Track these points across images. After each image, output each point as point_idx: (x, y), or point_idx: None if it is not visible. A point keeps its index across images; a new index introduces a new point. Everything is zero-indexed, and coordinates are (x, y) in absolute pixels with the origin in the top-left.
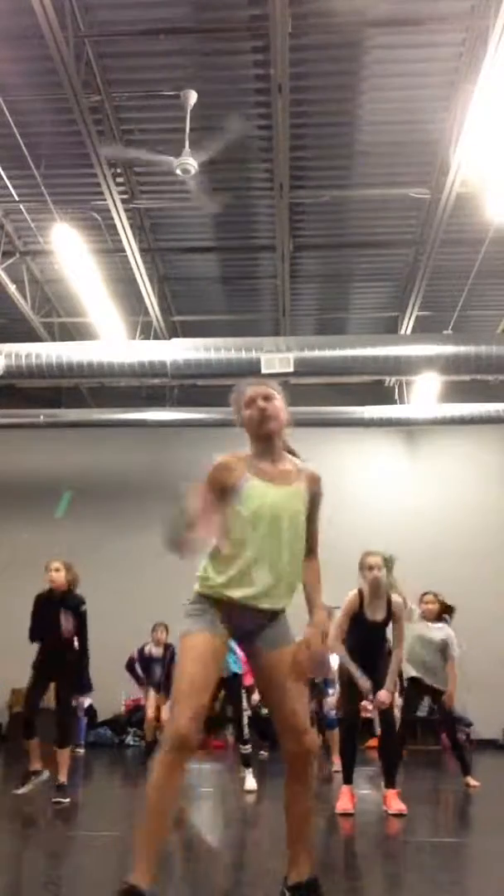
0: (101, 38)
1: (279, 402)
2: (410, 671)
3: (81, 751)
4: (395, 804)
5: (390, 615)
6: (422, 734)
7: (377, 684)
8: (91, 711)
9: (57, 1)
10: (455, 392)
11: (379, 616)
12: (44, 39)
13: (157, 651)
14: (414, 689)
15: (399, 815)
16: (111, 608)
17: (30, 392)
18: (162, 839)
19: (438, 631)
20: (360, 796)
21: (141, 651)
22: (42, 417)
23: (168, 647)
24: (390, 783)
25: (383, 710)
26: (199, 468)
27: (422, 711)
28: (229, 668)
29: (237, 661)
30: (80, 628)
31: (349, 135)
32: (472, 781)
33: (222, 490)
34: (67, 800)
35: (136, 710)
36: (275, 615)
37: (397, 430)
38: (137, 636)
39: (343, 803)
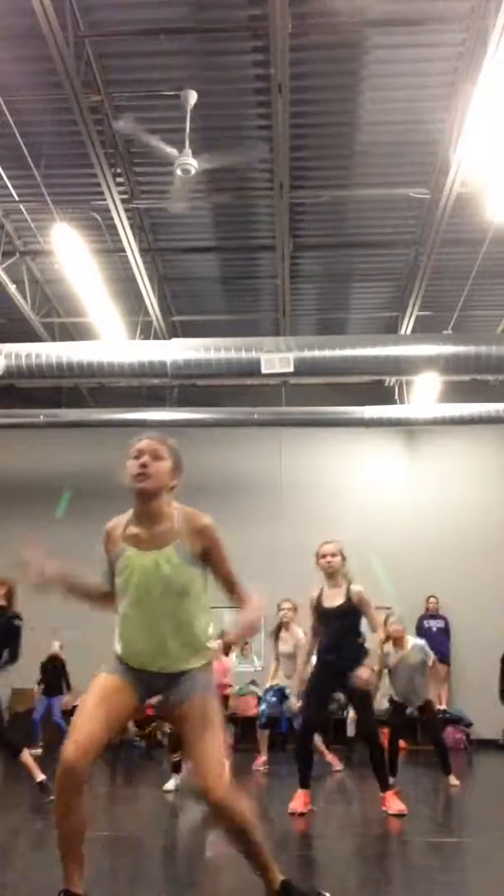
0: (101, 38)
1: (165, 464)
2: (391, 694)
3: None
4: (395, 804)
5: (349, 601)
6: (421, 734)
7: (345, 670)
8: None
9: (57, 1)
10: (455, 392)
11: (336, 602)
12: (44, 39)
13: None
14: (396, 710)
15: (399, 816)
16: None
17: (30, 392)
18: (76, 850)
19: (413, 653)
20: (358, 796)
21: None
22: (42, 417)
23: None
24: (384, 787)
25: (360, 715)
26: (198, 468)
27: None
28: None
29: None
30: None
31: (349, 135)
32: (452, 781)
33: (110, 558)
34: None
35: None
36: (174, 677)
37: (397, 430)
38: None
39: (295, 803)
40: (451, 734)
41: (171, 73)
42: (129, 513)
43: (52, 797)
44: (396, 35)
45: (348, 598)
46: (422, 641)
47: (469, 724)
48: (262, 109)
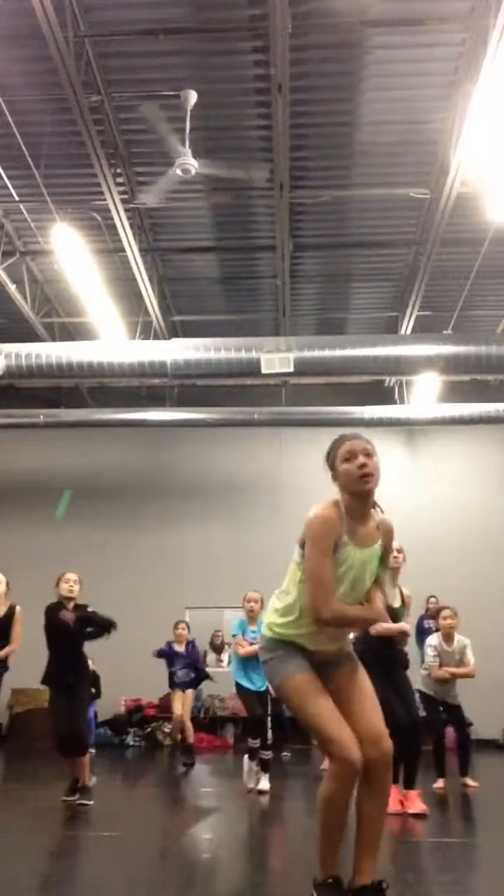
0: (101, 38)
1: (377, 461)
2: (423, 688)
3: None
4: (417, 805)
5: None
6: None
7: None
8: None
9: (57, 1)
10: (455, 392)
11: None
12: (44, 39)
13: (179, 647)
14: (430, 703)
15: (419, 816)
16: (110, 608)
17: (30, 392)
18: (338, 842)
19: (457, 651)
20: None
21: (169, 645)
22: (42, 417)
23: (188, 643)
24: (410, 784)
25: (399, 714)
26: (198, 468)
27: (421, 712)
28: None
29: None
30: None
31: (349, 135)
32: (470, 782)
33: (335, 541)
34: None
35: (136, 711)
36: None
37: (397, 430)
38: (136, 636)
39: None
40: (451, 734)
41: (171, 73)
42: (339, 507)
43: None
44: (396, 35)
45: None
46: (467, 640)
47: (469, 724)
48: (262, 109)
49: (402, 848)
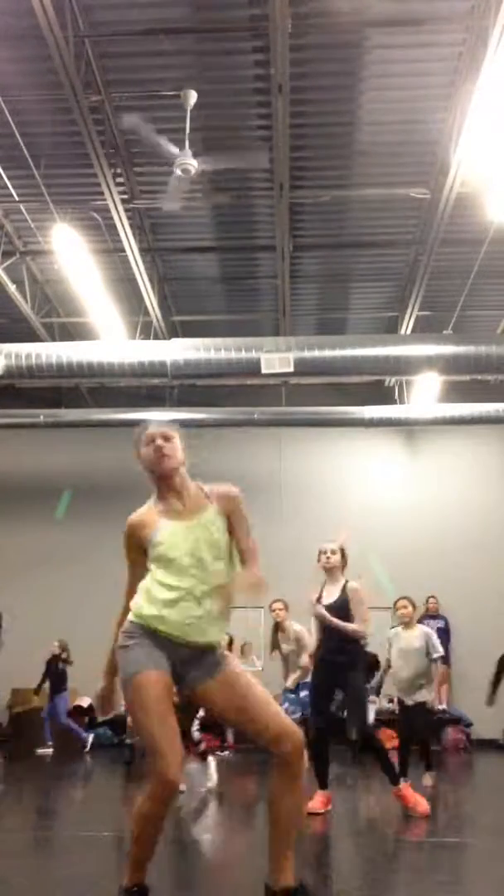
0: (101, 38)
1: (176, 443)
2: (394, 692)
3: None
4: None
5: (343, 597)
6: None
7: (342, 668)
8: (91, 712)
9: (57, 1)
10: (455, 392)
11: (330, 599)
12: (44, 39)
13: None
14: (404, 713)
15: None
16: (109, 608)
17: (30, 392)
18: (148, 857)
19: (417, 638)
20: (360, 796)
21: None
22: (42, 417)
23: None
24: (395, 780)
25: (351, 714)
26: (198, 468)
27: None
28: None
29: None
30: None
31: (349, 135)
32: (427, 780)
33: (140, 547)
34: None
35: None
36: (208, 649)
37: (397, 430)
38: None
39: (313, 803)
40: (451, 734)
41: (171, 73)
42: (151, 501)
43: None
44: (396, 35)
45: (343, 594)
46: (429, 629)
47: (469, 724)
48: (262, 109)
49: (402, 848)
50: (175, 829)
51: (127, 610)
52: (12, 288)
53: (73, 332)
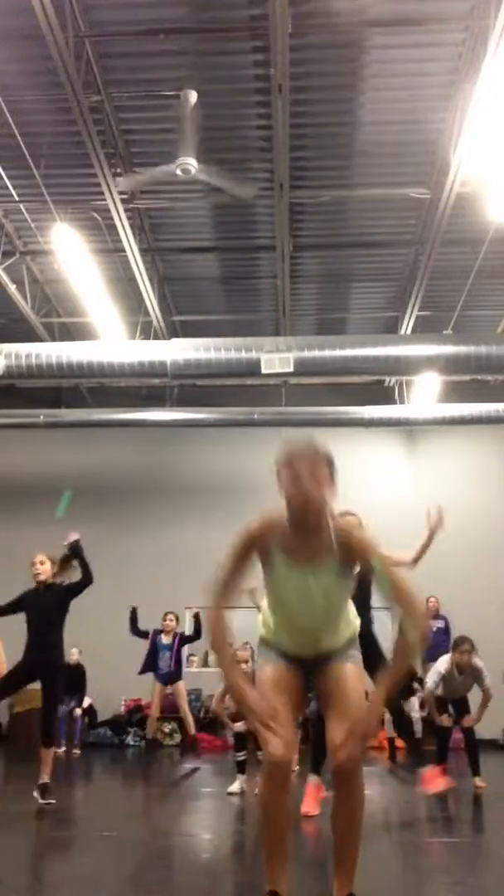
0: (101, 38)
1: (322, 473)
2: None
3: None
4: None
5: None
6: (422, 734)
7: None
8: (91, 712)
9: (57, 1)
10: (455, 392)
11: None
12: (44, 39)
13: (166, 639)
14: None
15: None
16: (110, 608)
17: (30, 392)
18: (282, 846)
19: (469, 677)
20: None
21: (155, 633)
22: (42, 417)
23: (176, 636)
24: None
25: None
26: (198, 468)
27: (421, 712)
28: None
29: None
30: None
31: (349, 135)
32: (479, 782)
33: (256, 552)
34: (53, 801)
35: (136, 710)
36: (324, 655)
37: (397, 430)
38: (136, 636)
39: (307, 804)
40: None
41: (171, 73)
42: (279, 513)
43: (51, 800)
44: (396, 35)
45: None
46: (481, 664)
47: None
48: (262, 109)
49: (402, 848)
50: (174, 829)
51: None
52: (12, 288)
53: (73, 332)
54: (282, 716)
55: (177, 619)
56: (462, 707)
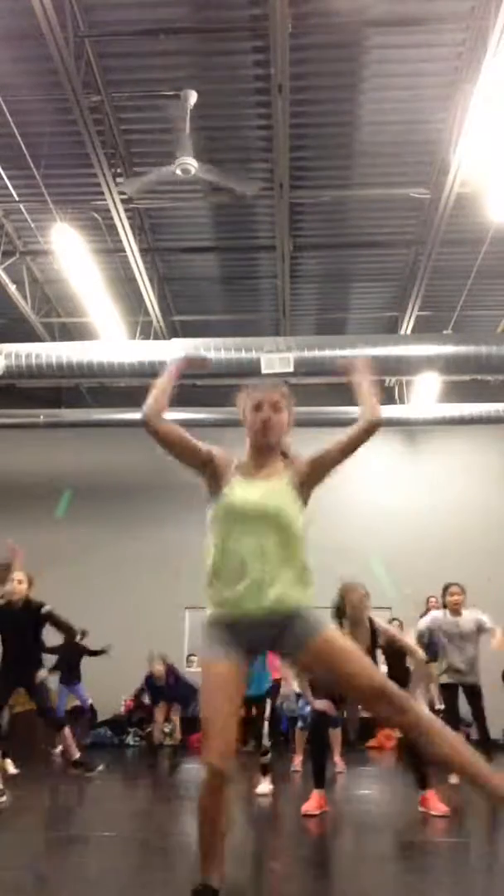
0: (101, 38)
1: (284, 415)
2: (445, 679)
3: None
4: (436, 806)
5: (374, 640)
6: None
7: None
8: (91, 712)
9: (57, 1)
10: (455, 392)
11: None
12: (44, 39)
13: (160, 681)
14: (450, 693)
15: (442, 817)
16: (109, 607)
17: (30, 392)
18: (214, 843)
19: (468, 622)
20: (361, 796)
21: (148, 678)
22: (42, 417)
23: (170, 675)
24: (424, 785)
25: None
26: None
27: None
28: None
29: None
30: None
31: (349, 135)
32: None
33: (213, 472)
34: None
35: (136, 710)
36: (286, 617)
37: (397, 430)
38: (136, 636)
39: (308, 804)
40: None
41: (171, 73)
42: (239, 455)
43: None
44: (396, 35)
45: (373, 636)
46: (478, 612)
47: (469, 724)
48: (262, 109)
49: (402, 848)
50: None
51: None
52: (12, 288)
53: (73, 332)
54: (223, 722)
55: (163, 660)
56: (475, 698)
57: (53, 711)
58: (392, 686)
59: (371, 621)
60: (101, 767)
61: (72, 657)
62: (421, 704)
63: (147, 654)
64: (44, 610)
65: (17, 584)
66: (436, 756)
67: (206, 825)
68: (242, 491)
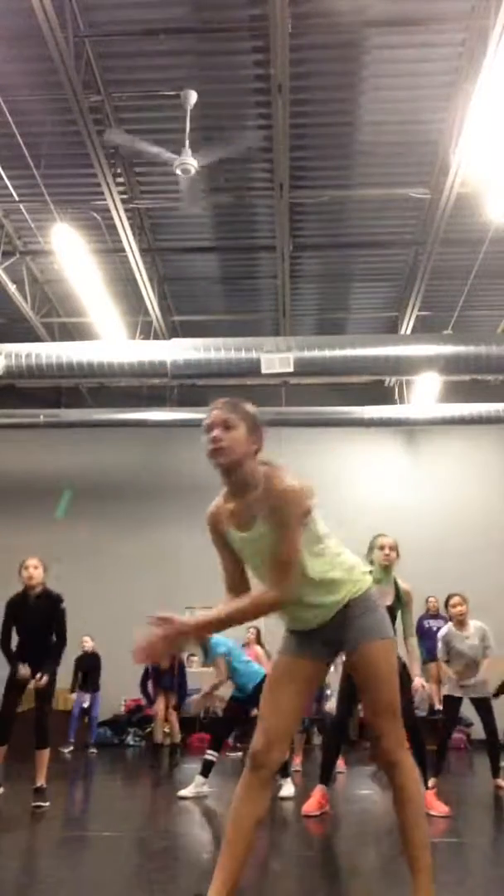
0: (101, 38)
1: (239, 433)
2: (449, 691)
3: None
4: (437, 806)
5: (399, 600)
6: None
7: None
8: (91, 712)
9: (57, 1)
10: (455, 392)
11: (388, 601)
12: (44, 39)
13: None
14: (452, 707)
15: (440, 817)
16: (109, 607)
17: (30, 392)
18: (241, 849)
19: (474, 636)
20: (361, 796)
21: (153, 667)
22: (42, 417)
23: (173, 658)
24: (424, 785)
25: (407, 712)
26: (198, 468)
27: (422, 712)
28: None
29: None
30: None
31: (349, 135)
32: (501, 783)
33: (221, 536)
34: (47, 804)
35: (136, 710)
36: (339, 613)
37: (397, 430)
38: (135, 636)
39: (309, 804)
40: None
41: (171, 73)
42: (224, 490)
43: (42, 803)
44: (396, 35)
45: (398, 596)
46: (482, 624)
47: (469, 724)
48: (262, 109)
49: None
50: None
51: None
52: (12, 288)
53: (73, 332)
54: (271, 713)
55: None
56: (485, 712)
57: (46, 728)
58: (396, 738)
59: (395, 580)
60: (47, 804)
61: (87, 662)
62: (413, 772)
63: None
64: (62, 605)
65: (34, 570)
66: (399, 823)
67: (232, 829)
68: (238, 545)
